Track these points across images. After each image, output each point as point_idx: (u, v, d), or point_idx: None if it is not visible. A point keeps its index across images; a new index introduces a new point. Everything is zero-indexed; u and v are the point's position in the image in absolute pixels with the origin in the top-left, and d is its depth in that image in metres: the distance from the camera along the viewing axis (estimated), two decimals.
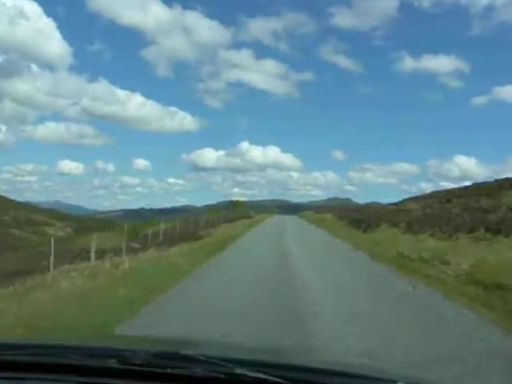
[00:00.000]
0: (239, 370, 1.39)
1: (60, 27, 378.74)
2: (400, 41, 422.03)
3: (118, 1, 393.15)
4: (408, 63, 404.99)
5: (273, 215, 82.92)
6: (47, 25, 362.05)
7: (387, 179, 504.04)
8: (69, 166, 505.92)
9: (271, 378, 1.36)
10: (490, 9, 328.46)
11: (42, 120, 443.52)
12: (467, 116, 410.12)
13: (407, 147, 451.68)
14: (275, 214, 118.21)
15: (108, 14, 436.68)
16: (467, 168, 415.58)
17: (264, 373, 1.37)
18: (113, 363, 1.48)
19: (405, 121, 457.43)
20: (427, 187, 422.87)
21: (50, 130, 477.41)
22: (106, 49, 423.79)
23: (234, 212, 58.18)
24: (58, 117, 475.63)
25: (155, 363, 1.46)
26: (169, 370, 1.43)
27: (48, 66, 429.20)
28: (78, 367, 1.49)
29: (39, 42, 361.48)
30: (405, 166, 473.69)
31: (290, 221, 50.30)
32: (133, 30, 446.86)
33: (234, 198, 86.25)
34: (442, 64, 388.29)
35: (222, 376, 1.39)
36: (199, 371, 1.40)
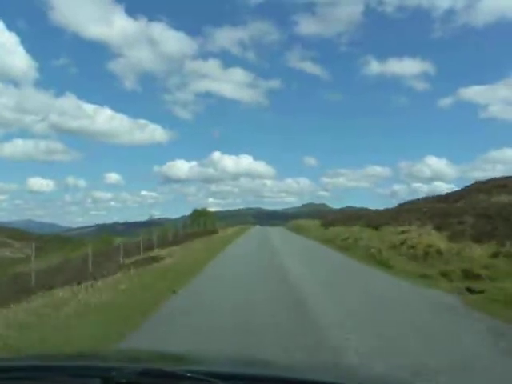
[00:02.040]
0: None
1: (23, 42, 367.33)
2: (365, 46, 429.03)
3: (81, 14, 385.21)
4: (374, 67, 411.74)
5: (248, 227, 69.91)
6: (9, 39, 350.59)
7: (360, 183, 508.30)
8: (39, 183, 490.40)
9: None
10: (450, 12, 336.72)
11: (8, 137, 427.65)
12: (435, 117, 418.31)
13: (378, 151, 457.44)
14: (251, 224, 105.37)
15: (71, 27, 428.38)
16: (438, 168, 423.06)
17: None
18: (96, 382, 1.45)
19: (374, 125, 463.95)
20: (400, 189, 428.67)
21: (17, 147, 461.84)
22: (72, 63, 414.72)
23: (196, 224, 49.03)
24: (25, 133, 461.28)
25: (140, 381, 1.44)
26: None
27: (12, 81, 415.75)
28: None
29: (2, 58, 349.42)
30: (377, 169, 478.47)
31: (289, 245, 27.03)
32: (98, 43, 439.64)
33: (200, 207, 72.95)
34: (407, 67, 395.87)
35: None
36: None
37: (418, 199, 41.76)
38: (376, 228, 24.07)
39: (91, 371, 1.57)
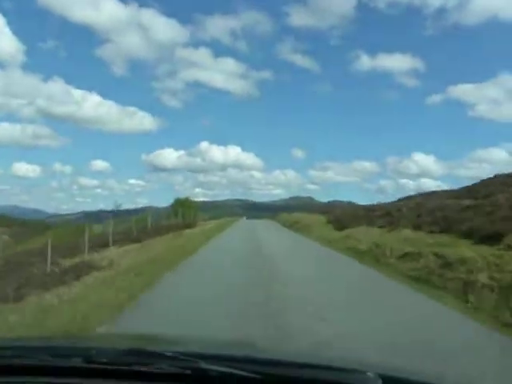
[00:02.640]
0: (206, 365, 1.37)
1: (10, 23, 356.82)
2: (357, 40, 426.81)
3: None
4: (365, 62, 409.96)
5: (233, 221, 62.88)
6: None
7: (348, 177, 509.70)
8: (25, 168, 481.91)
9: (239, 372, 1.35)
10: (442, 10, 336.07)
11: None
12: (423, 114, 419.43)
13: (366, 145, 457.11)
14: (238, 216, 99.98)
15: (59, 10, 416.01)
16: (425, 165, 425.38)
17: (231, 367, 1.36)
18: (78, 362, 1.46)
19: (363, 119, 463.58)
20: (386, 184, 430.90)
21: (3, 130, 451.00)
22: (60, 47, 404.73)
23: (176, 215, 43.81)
24: (11, 117, 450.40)
25: (121, 361, 1.45)
26: (135, 368, 1.42)
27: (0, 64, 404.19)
28: (44, 368, 1.48)
29: None
30: (365, 164, 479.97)
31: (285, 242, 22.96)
32: (87, 28, 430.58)
33: (177, 196, 66.12)
34: (398, 63, 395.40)
35: (188, 372, 1.38)
36: (165, 367, 1.39)
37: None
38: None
39: (73, 351, 1.60)
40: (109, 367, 1.43)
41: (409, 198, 41.72)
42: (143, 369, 1.41)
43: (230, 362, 1.42)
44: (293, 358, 1.79)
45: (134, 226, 25.32)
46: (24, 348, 1.68)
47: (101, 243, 19.08)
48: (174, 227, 26.54)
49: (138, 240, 20.31)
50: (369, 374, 1.35)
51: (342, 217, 27.59)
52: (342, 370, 1.46)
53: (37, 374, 1.47)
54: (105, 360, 1.44)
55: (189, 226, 30.22)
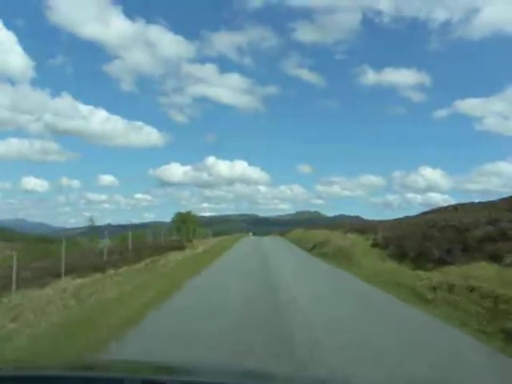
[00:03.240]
0: None
1: (21, 41, 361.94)
2: (362, 55, 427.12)
3: (78, 14, 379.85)
4: (370, 77, 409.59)
5: (238, 238, 54.82)
6: (7, 38, 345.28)
7: (354, 192, 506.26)
8: (33, 183, 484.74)
9: None
10: (447, 24, 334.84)
11: (3, 136, 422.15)
12: (430, 128, 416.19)
13: (372, 160, 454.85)
14: (244, 233, 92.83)
15: (69, 27, 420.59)
16: (432, 179, 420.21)
17: None
18: None
19: (369, 134, 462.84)
20: (393, 198, 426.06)
21: (12, 146, 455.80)
22: (69, 63, 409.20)
23: (178, 231, 42.32)
24: (20, 133, 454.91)
25: None
26: None
27: (9, 80, 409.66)
28: None
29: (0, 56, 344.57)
30: (371, 179, 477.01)
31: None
32: (95, 44, 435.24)
33: (184, 211, 60.80)
34: (403, 78, 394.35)
35: None
36: None
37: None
38: None
39: (91, 382, 1.61)
40: None
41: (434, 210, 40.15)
42: None
43: None
44: None
45: (117, 245, 22.44)
46: (40, 378, 1.65)
47: (55, 271, 15.13)
48: (161, 248, 21.86)
49: (101, 269, 15.26)
50: None
51: (400, 238, 16.91)
52: None
53: None
54: None
55: (180, 247, 24.09)
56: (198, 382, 1.49)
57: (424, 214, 40.71)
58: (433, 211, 42.34)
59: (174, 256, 19.99)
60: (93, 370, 2.22)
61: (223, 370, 2.41)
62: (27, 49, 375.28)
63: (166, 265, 16.80)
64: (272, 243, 38.90)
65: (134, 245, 22.65)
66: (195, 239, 36.38)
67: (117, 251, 20.12)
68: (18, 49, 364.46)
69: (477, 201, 37.55)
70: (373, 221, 44.67)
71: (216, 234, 72.12)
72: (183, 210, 57.44)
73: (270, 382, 1.97)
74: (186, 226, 46.96)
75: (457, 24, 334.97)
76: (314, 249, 25.41)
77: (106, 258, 18.64)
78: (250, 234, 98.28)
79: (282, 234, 66.20)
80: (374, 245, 19.11)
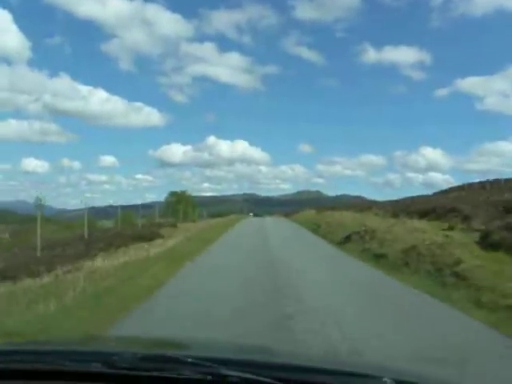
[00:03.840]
0: (226, 371, 1.39)
1: (16, 20, 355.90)
2: (362, 33, 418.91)
3: None
4: (371, 55, 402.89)
5: (237, 219, 48.41)
6: (2, 17, 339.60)
7: (355, 171, 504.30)
8: (33, 164, 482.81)
9: (259, 377, 1.37)
10: (448, 1, 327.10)
11: (2, 117, 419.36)
12: (431, 108, 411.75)
13: (373, 139, 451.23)
14: (245, 214, 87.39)
15: (65, 6, 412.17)
16: (433, 158, 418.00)
17: (251, 373, 1.38)
18: (98, 367, 1.46)
19: (370, 113, 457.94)
20: (394, 178, 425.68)
21: (11, 127, 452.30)
22: (66, 43, 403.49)
23: (172, 212, 39.03)
24: (19, 114, 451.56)
25: (141, 366, 1.45)
26: (155, 373, 1.42)
27: (6, 60, 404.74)
28: (64, 372, 1.48)
29: None
30: (372, 158, 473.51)
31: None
32: (92, 23, 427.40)
33: (179, 190, 55.75)
34: (404, 56, 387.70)
35: (209, 377, 1.39)
36: (186, 373, 1.40)
37: None
38: None
39: (93, 356, 1.58)
40: (129, 373, 1.44)
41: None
42: (164, 374, 1.42)
43: (249, 367, 1.42)
44: (309, 363, 1.80)
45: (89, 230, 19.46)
46: (44, 352, 1.65)
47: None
48: (123, 238, 17.03)
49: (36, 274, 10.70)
50: (385, 379, 1.39)
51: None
52: (359, 375, 1.49)
53: (57, 378, 1.48)
54: (125, 365, 1.44)
55: (150, 237, 17.53)
56: (196, 357, 1.45)
57: (436, 194, 39.44)
58: (444, 191, 40.77)
59: (116, 258, 12.41)
60: (95, 344, 2.23)
61: (221, 346, 2.43)
62: (23, 28, 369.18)
63: (138, 256, 12.30)
64: (280, 228, 31.54)
65: (103, 232, 19.87)
66: (184, 222, 32.48)
67: (69, 242, 17.41)
68: (14, 28, 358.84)
69: (476, 180, 38.13)
70: (390, 201, 39.88)
71: (216, 215, 70.96)
72: (180, 190, 56.18)
73: (269, 357, 1.93)
74: (179, 206, 43.66)
75: (458, 1, 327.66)
76: (348, 243, 16.20)
77: (39, 253, 15.64)
78: (251, 214, 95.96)
79: (286, 215, 60.09)
80: (487, 244, 10.38)
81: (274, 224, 37.80)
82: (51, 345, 2.08)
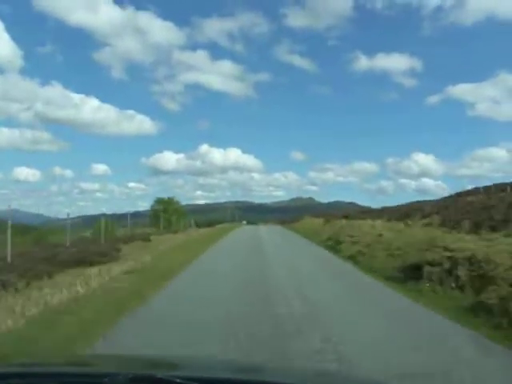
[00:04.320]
0: None
1: (8, 28, 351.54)
2: (354, 41, 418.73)
3: (66, 0, 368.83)
4: (363, 63, 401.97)
5: (232, 227, 45.59)
6: None
7: (347, 178, 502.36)
8: (25, 172, 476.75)
9: None
10: (439, 10, 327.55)
11: None
12: (422, 114, 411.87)
13: (365, 146, 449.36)
14: (237, 222, 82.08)
15: (57, 14, 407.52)
16: (425, 165, 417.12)
17: None
18: None
19: (362, 120, 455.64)
20: (387, 184, 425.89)
21: (3, 135, 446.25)
22: (57, 51, 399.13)
23: (156, 221, 34.88)
24: (11, 122, 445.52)
25: None
26: None
27: None
28: None
29: None
30: (364, 165, 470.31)
31: None
32: (84, 32, 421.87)
33: (165, 197, 50.80)
34: (396, 63, 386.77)
35: None
36: None
37: None
38: None
39: (84, 378, 1.59)
40: None
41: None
42: None
43: None
44: (305, 381, 1.77)
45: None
46: (33, 375, 1.62)
47: None
48: (99, 253, 12.98)
49: None
50: None
51: None
52: None
53: None
54: None
55: (104, 256, 13.28)
56: (186, 377, 1.40)
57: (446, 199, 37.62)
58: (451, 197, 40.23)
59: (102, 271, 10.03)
60: (85, 365, 2.20)
61: (212, 365, 2.29)
62: (14, 37, 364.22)
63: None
64: (283, 243, 24.17)
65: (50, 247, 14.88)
66: (166, 233, 27.85)
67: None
68: (6, 36, 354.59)
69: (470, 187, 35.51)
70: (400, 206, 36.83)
71: (206, 224, 67.20)
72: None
73: (261, 376, 1.89)
74: (162, 215, 38.97)
75: (449, 9, 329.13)
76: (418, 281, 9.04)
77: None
78: (244, 222, 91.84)
79: (282, 223, 55.59)
80: None
81: (271, 235, 32.20)
82: (41, 367, 2.01)
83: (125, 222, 47.63)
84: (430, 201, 36.95)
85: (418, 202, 38.85)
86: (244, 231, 41.12)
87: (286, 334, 5.96)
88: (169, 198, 50.45)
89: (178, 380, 1.41)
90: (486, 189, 34.02)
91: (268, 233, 35.68)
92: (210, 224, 62.52)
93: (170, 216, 39.37)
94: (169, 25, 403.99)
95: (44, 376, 1.59)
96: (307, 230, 31.75)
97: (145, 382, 1.46)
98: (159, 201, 49.20)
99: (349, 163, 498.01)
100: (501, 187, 31.42)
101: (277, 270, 12.53)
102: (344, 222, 26.71)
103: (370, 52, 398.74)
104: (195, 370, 1.93)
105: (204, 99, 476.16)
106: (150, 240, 20.80)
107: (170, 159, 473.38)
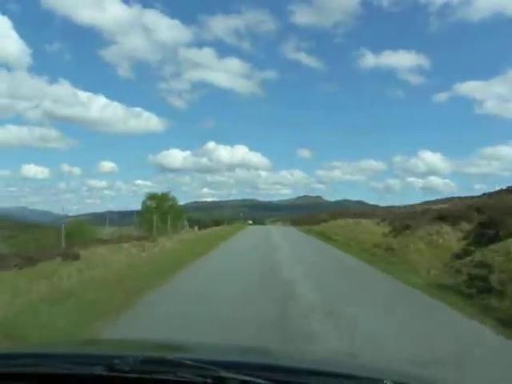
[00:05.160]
0: (226, 374, 1.41)
1: (16, 26, 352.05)
2: (361, 38, 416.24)
3: None
4: (370, 60, 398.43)
5: (235, 230, 38.47)
6: (2, 23, 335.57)
7: (355, 176, 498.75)
8: (33, 170, 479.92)
9: (258, 380, 1.38)
10: (446, 6, 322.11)
11: (2, 123, 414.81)
12: (430, 112, 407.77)
13: (373, 144, 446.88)
14: (242, 220, 79.52)
15: (64, 12, 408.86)
16: (433, 163, 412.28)
17: (251, 375, 1.39)
18: (100, 370, 1.48)
19: (369, 118, 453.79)
20: (394, 183, 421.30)
21: (11, 133, 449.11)
22: (65, 49, 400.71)
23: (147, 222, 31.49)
24: (19, 120, 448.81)
25: (142, 369, 1.47)
26: (156, 376, 1.45)
27: (6, 67, 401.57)
28: (65, 376, 1.51)
29: None
30: (372, 163, 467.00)
31: None
32: (91, 30, 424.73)
33: (152, 191, 44.92)
34: (403, 61, 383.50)
35: (208, 380, 1.41)
36: (186, 375, 1.42)
37: None
38: None
39: (94, 359, 1.61)
40: (130, 375, 1.45)
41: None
42: (164, 377, 1.44)
43: (248, 370, 1.43)
44: (308, 365, 1.77)
45: None
46: (45, 356, 1.67)
47: None
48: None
49: None
50: (386, 382, 1.38)
51: None
52: (360, 378, 1.49)
53: (58, 381, 1.50)
54: (126, 368, 1.45)
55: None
56: (196, 360, 1.42)
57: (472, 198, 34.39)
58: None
59: None
60: (96, 347, 2.23)
61: (220, 348, 2.39)
62: (23, 35, 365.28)
63: None
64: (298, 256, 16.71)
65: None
66: (146, 239, 20.20)
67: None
68: (14, 35, 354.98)
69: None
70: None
71: (214, 221, 64.60)
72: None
73: (268, 359, 1.89)
74: (148, 215, 33.87)
75: (456, 6, 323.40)
76: None
77: None
78: (250, 222, 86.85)
79: (294, 223, 48.99)
80: None
81: (283, 237, 26.16)
82: (53, 348, 2.09)
83: (130, 220, 44.67)
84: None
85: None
86: (251, 233, 35.04)
87: None
88: (163, 193, 43.62)
89: (189, 362, 1.45)
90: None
91: (282, 239, 26.71)
92: (218, 223, 59.00)
93: (163, 215, 34.78)
94: (175, 23, 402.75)
95: (56, 357, 1.63)
96: (359, 244, 19.51)
97: (155, 364, 1.49)
98: (152, 197, 42.37)
99: (356, 161, 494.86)
100: None
101: None
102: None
103: (377, 49, 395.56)
104: (205, 352, 1.98)
105: (211, 97, 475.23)
106: (78, 258, 11.83)
107: (176, 156, 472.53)
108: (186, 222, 40.12)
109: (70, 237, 26.40)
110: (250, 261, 14.65)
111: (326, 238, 26.62)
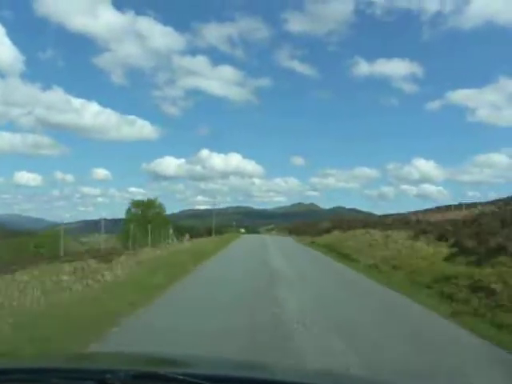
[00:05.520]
0: None
1: (9, 33, 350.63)
2: (355, 46, 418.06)
3: (67, 6, 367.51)
4: (363, 68, 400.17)
5: (218, 246, 28.74)
6: None
7: (349, 184, 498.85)
8: (26, 177, 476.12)
9: None
10: (438, 15, 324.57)
11: None
12: (423, 120, 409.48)
13: (366, 152, 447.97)
14: (235, 229, 76.40)
15: (58, 19, 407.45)
16: (426, 170, 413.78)
17: None
18: None
19: (362, 125, 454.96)
20: (388, 190, 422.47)
21: (4, 140, 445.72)
22: (59, 56, 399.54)
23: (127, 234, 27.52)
24: (12, 126, 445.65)
25: None
26: None
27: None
28: None
29: None
30: (365, 171, 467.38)
31: None
32: (85, 37, 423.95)
33: (140, 198, 42.62)
34: (396, 68, 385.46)
35: None
36: None
37: None
38: None
39: (86, 374, 1.59)
40: None
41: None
42: None
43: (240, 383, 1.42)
44: (304, 380, 1.78)
45: None
46: (38, 371, 1.64)
47: None
48: None
49: None
50: None
51: None
52: None
53: None
54: (118, 383, 1.44)
55: None
56: (189, 374, 1.40)
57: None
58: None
59: None
60: (88, 361, 2.21)
61: (214, 362, 2.31)
62: (16, 42, 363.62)
63: None
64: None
65: None
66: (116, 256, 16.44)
67: None
68: (7, 41, 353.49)
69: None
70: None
71: (208, 229, 62.53)
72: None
73: (263, 374, 1.87)
74: (128, 226, 30.36)
75: (449, 14, 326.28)
76: None
77: None
78: (242, 231, 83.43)
79: (291, 232, 45.85)
80: None
81: (278, 255, 21.31)
82: (45, 362, 2.05)
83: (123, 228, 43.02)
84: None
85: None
86: (243, 249, 27.62)
87: None
88: (149, 199, 40.94)
89: (181, 377, 1.43)
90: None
91: (296, 273, 14.63)
92: (210, 232, 57.11)
93: (148, 224, 32.19)
94: (169, 30, 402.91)
95: (48, 372, 1.59)
96: (421, 276, 11.62)
97: (147, 379, 1.47)
98: (136, 204, 39.80)
99: (350, 169, 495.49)
100: None
101: None
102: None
103: (371, 57, 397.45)
104: (197, 367, 1.95)
105: (204, 104, 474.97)
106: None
107: (170, 164, 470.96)
108: (171, 232, 36.87)
109: (40, 247, 24.64)
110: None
111: (347, 259, 19.17)
